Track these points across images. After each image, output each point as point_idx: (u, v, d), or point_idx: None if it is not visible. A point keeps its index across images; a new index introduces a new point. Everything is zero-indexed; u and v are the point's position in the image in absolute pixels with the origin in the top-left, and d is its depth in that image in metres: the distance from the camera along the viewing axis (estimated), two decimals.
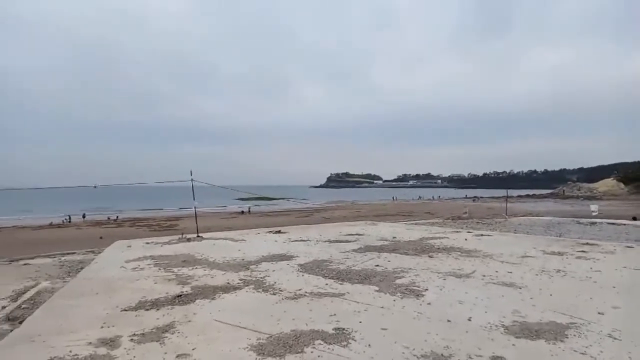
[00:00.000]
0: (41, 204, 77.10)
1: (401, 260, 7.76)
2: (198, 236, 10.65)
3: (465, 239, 10.41)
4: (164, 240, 10.67)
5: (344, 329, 4.19)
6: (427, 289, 5.64)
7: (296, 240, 10.44)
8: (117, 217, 54.15)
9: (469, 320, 4.43)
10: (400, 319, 4.50)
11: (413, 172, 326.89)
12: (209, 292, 5.68)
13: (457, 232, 12.18)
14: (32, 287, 7.70)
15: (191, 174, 10.29)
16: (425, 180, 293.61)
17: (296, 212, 56.99)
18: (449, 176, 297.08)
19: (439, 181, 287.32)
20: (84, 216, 55.71)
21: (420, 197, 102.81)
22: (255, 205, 70.27)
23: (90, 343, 3.85)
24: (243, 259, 8.02)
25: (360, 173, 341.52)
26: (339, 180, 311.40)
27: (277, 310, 4.83)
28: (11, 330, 5.50)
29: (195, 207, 11.91)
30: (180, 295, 5.46)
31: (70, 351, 3.66)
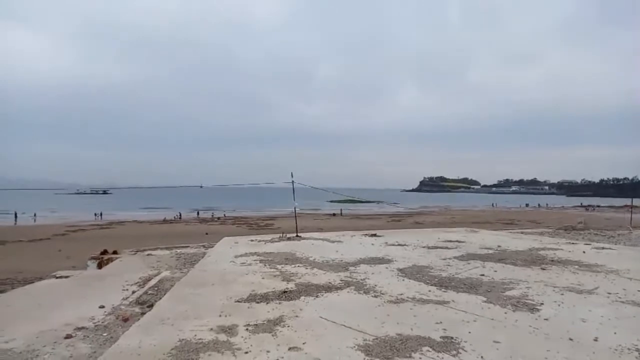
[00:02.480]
0: (157, 202, 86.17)
1: (509, 271, 7.28)
2: (297, 236, 11.08)
3: (583, 252, 9.42)
4: (267, 238, 11.28)
5: (452, 337, 4.06)
6: (542, 304, 5.22)
7: (393, 245, 10.33)
8: (224, 214, 58.45)
9: (595, 340, 4.01)
10: (514, 333, 4.23)
11: (515, 177, 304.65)
12: (312, 290, 5.88)
13: (573, 243, 11.07)
14: (155, 275, 8.64)
15: (292, 176, 10.76)
16: (530, 186, 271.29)
17: (387, 215, 56.43)
18: (558, 182, 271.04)
19: (546, 187, 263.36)
20: (198, 213, 61.13)
21: (527, 204, 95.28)
22: (347, 207, 71.00)
23: (211, 329, 4.22)
24: (341, 260, 8.16)
25: (456, 177, 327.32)
26: (432, 185, 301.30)
27: (380, 313, 4.84)
28: (141, 313, 6.24)
29: (295, 208, 12.41)
30: (286, 292, 5.72)
31: (195, 335, 4.04)
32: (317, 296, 5.57)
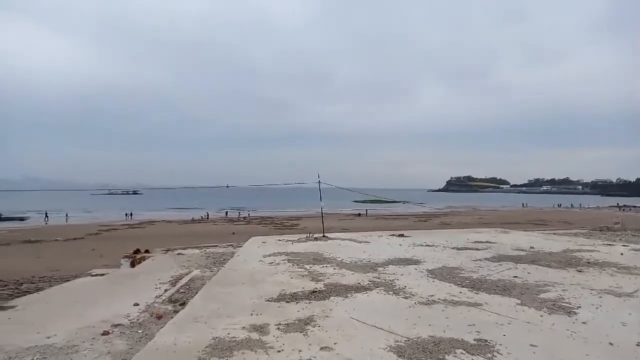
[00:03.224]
0: (184, 202, 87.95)
1: (544, 273, 7.08)
2: (324, 236, 11.10)
3: (621, 254, 9.07)
4: (294, 238, 11.35)
5: (486, 340, 3.98)
6: (579, 307, 5.06)
7: (421, 245, 10.22)
8: (248, 214, 59.17)
9: (638, 345, 3.86)
10: (551, 336, 4.11)
11: (547, 177, 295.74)
12: (341, 290, 5.88)
13: (610, 245, 10.67)
14: (186, 274, 8.82)
15: (319, 177, 10.79)
16: (562, 185, 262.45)
17: (413, 216, 55.83)
18: (592, 182, 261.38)
19: (579, 187, 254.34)
20: (226, 214, 62.14)
21: (559, 204, 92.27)
22: (372, 208, 70.59)
23: (244, 328, 4.27)
24: (369, 261, 8.12)
25: (484, 177, 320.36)
26: (460, 184, 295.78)
27: (411, 315, 4.79)
28: (174, 311, 6.38)
29: (322, 208, 12.44)
30: (316, 291, 5.74)
31: (229, 333, 4.10)
32: (346, 296, 5.56)
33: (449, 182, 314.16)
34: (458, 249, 9.73)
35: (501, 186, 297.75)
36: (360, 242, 10.62)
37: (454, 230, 15.91)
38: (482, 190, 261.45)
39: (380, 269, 7.38)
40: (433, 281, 6.48)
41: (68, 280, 12.73)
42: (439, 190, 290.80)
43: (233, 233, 33.39)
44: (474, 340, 3.99)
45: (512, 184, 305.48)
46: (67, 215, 58.06)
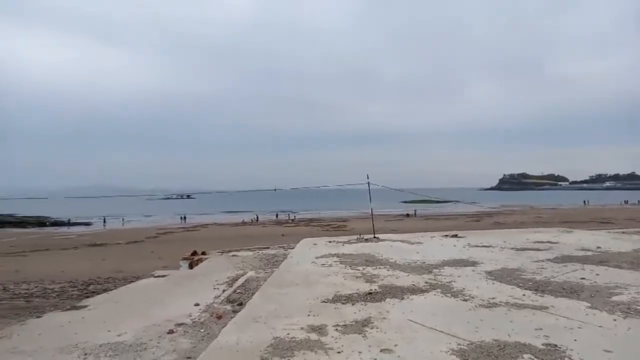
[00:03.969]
0: (235, 205, 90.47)
1: (614, 274, 6.62)
2: (375, 237, 11.00)
3: None
4: (344, 239, 11.34)
5: (556, 345, 3.78)
6: None
7: (477, 246, 9.87)
8: (294, 216, 59.90)
9: None
10: (627, 342, 3.84)
11: (610, 172, 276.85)
12: (397, 292, 5.80)
13: None
14: (242, 275, 9.05)
15: (368, 177, 10.70)
16: (627, 181, 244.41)
17: (464, 215, 54.12)
18: None
19: None
20: (277, 215, 63.35)
21: (625, 201, 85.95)
22: (420, 208, 69.20)
23: (302, 328, 4.32)
24: (424, 262, 7.96)
25: (540, 174, 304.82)
26: (513, 182, 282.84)
27: (473, 318, 4.64)
28: (233, 311, 6.56)
29: (371, 209, 12.35)
30: (371, 293, 5.70)
31: (288, 334, 4.16)
32: (402, 298, 5.48)
33: (501, 180, 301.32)
34: (517, 249, 9.31)
35: (559, 183, 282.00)
36: (413, 243, 10.42)
37: (511, 230, 15.24)
38: (539, 188, 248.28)
39: (436, 270, 7.21)
40: (493, 283, 6.24)
41: (131, 281, 13.47)
42: (491, 188, 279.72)
43: (282, 235, 33.92)
44: (543, 345, 3.80)
45: (571, 180, 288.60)
46: (123, 219, 61.48)
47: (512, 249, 9.40)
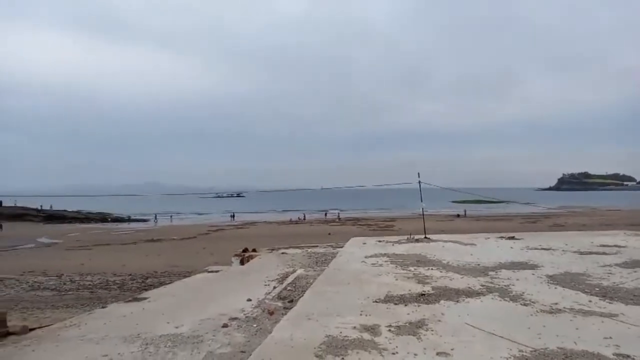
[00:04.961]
0: (283, 203, 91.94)
1: None
2: (425, 237, 10.75)
3: None
4: (394, 239, 11.17)
5: (629, 356, 3.50)
6: None
7: (536, 248, 9.37)
8: (339, 215, 59.88)
9: None
10: None
11: None
12: (451, 294, 5.62)
13: None
14: (291, 272, 9.15)
15: (419, 176, 10.44)
16: None
17: (519, 217, 51.74)
18: None
19: None
20: (325, 214, 63.78)
21: None
22: (471, 208, 66.94)
23: (355, 327, 4.28)
24: (478, 264, 7.67)
25: (604, 173, 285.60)
26: (574, 182, 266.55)
27: (534, 323, 4.40)
28: (284, 307, 6.64)
29: (423, 209, 12.08)
30: (424, 294, 5.56)
31: (341, 332, 4.14)
32: (457, 301, 5.30)
33: (560, 180, 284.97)
34: (581, 253, 8.74)
35: (625, 183, 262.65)
36: (466, 245, 10.07)
37: (573, 232, 14.34)
38: (602, 188, 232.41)
39: (492, 273, 6.91)
40: (555, 288, 5.89)
41: (186, 276, 14.00)
42: (549, 188, 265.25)
43: (329, 234, 34.02)
44: (614, 354, 3.53)
45: (639, 180, 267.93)
46: (171, 217, 64.21)
47: (575, 252, 8.84)
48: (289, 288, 7.91)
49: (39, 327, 6.62)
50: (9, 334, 6.19)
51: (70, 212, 63.46)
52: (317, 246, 13.32)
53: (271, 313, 6.24)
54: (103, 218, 61.96)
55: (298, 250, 12.36)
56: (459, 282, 6.31)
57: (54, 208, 64.47)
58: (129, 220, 62.21)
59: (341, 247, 11.55)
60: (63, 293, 14.49)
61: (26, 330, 6.42)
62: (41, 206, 63.77)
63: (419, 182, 10.43)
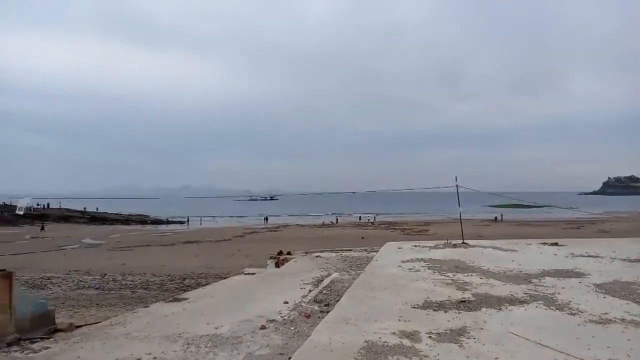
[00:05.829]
0: (315, 207, 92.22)
1: None
2: (463, 243, 10.49)
3: None
4: (430, 244, 10.98)
5: None
6: None
7: (581, 256, 8.97)
8: (373, 219, 59.40)
9: None
10: None
11: None
12: (492, 301, 5.46)
13: None
14: (326, 276, 9.15)
15: (456, 180, 10.22)
16: None
17: (561, 222, 49.68)
18: None
19: None
20: (360, 218, 63.58)
21: None
22: (507, 213, 64.84)
23: (394, 333, 4.23)
24: (520, 271, 7.41)
25: None
26: (620, 186, 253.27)
27: (583, 334, 4.21)
28: (320, 311, 6.65)
29: (460, 213, 11.82)
30: (464, 301, 5.43)
31: (380, 338, 4.10)
32: (499, 309, 5.15)
33: (605, 184, 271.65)
34: (631, 261, 8.30)
35: None
36: (506, 251, 9.76)
37: (621, 239, 13.61)
38: None
39: (535, 280, 6.67)
40: (604, 297, 5.62)
41: (222, 277, 14.26)
42: (593, 192, 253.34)
43: (362, 238, 33.80)
44: None
45: None
46: (201, 219, 65.61)
47: (625, 260, 8.40)
48: (324, 292, 7.92)
49: (85, 325, 6.92)
50: (57, 330, 6.52)
51: (112, 214, 66.08)
52: (351, 250, 13.27)
53: (308, 316, 6.26)
54: (143, 220, 64.13)
55: (332, 254, 12.35)
56: (501, 289, 6.12)
57: (98, 210, 67.37)
58: (167, 222, 64.10)
59: (376, 251, 11.45)
60: (106, 292, 15.09)
61: (73, 327, 6.72)
62: (85, 208, 66.79)
63: (456, 185, 10.19)
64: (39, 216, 54.54)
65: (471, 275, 7.12)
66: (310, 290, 7.95)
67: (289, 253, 12.18)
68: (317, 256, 12.01)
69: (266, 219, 65.43)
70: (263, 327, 5.67)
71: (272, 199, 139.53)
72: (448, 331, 4.32)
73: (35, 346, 5.32)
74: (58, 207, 65.24)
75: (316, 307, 6.87)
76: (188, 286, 14.95)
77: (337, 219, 61.31)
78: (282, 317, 6.16)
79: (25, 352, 5.08)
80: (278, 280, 8.82)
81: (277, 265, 11.08)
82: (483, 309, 5.13)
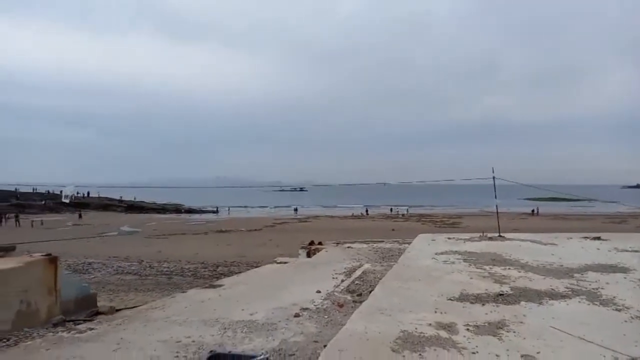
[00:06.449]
0: (344, 198, 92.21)
1: None
2: (500, 235, 10.22)
3: None
4: (465, 236, 10.77)
5: None
6: None
7: (626, 250, 8.57)
8: (405, 210, 58.78)
9: None
10: None
11: None
12: (532, 295, 5.31)
13: None
14: (358, 267, 9.14)
15: (493, 171, 9.92)
16: None
17: (602, 216, 47.69)
18: None
19: None
20: (391, 210, 63.05)
21: None
22: (547, 206, 62.82)
23: (430, 324, 4.18)
24: (561, 265, 7.16)
25: None
26: None
27: (630, 330, 4.04)
28: (353, 301, 6.66)
29: (497, 205, 11.51)
30: (502, 295, 5.31)
31: (416, 329, 4.06)
32: (540, 303, 4.99)
33: None
34: None
35: None
36: (545, 244, 9.45)
37: None
38: None
39: (577, 275, 6.43)
40: None
41: (254, 266, 14.49)
42: (637, 186, 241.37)
43: (393, 230, 33.59)
44: None
45: None
46: (228, 209, 66.75)
47: None
48: (357, 282, 7.91)
49: (124, 308, 7.21)
50: (98, 313, 6.82)
51: (148, 203, 68.30)
52: (382, 241, 13.20)
53: (341, 306, 6.28)
54: (177, 209, 65.98)
55: (364, 245, 12.33)
56: (541, 283, 5.94)
57: (135, 199, 69.74)
58: (200, 211, 65.66)
59: (408, 243, 11.34)
60: (143, 277, 15.66)
61: (113, 310, 7.01)
62: (121, 197, 69.22)
63: (493, 177, 9.90)
64: (80, 204, 56.94)
65: (509, 268, 6.94)
66: (342, 280, 7.97)
67: (320, 243, 12.23)
68: (348, 247, 12.01)
69: (296, 209, 65.90)
70: (297, 315, 5.73)
71: (301, 190, 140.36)
72: (486, 324, 4.23)
73: (80, 327, 5.57)
74: (97, 195, 67.95)
75: (349, 297, 6.88)
76: (221, 274, 15.31)
77: (367, 211, 61.09)
78: (315, 305, 6.20)
79: (72, 332, 5.33)
80: (310, 270, 8.88)
81: (309, 255, 11.15)
82: (522, 303, 5.00)
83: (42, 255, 6.34)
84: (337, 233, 27.35)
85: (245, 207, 74.55)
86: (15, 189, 60.73)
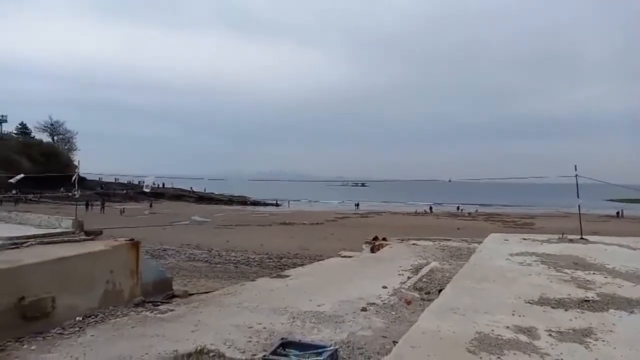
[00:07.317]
0: (407, 195, 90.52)
1: None
2: (582, 238, 9.46)
3: None
4: (542, 238, 10.08)
5: None
6: None
7: None
8: (476, 210, 56.44)
9: None
10: None
11: None
12: (622, 303, 4.86)
13: None
14: (425, 265, 8.94)
15: (575, 169, 9.19)
16: None
17: None
18: None
19: None
20: (458, 207, 60.89)
21: None
22: (629, 208, 57.35)
23: (508, 327, 3.97)
24: None
25: None
26: None
27: None
28: (421, 298, 6.53)
29: (579, 205, 10.67)
30: (588, 301, 4.91)
31: (492, 330, 3.88)
32: (632, 312, 4.55)
33: None
34: None
35: None
36: (635, 249, 8.60)
37: None
38: None
39: None
40: None
41: (317, 259, 14.68)
42: None
43: (458, 228, 32.48)
44: None
45: None
46: (289, 202, 67.91)
47: None
48: (424, 280, 7.75)
49: (196, 293, 7.62)
50: (174, 296, 7.27)
51: (217, 194, 71.64)
52: (450, 239, 12.77)
53: (408, 302, 6.18)
54: (243, 201, 68.65)
55: (430, 243, 12.02)
56: (631, 290, 5.42)
57: (205, 191, 73.46)
58: (264, 204, 67.74)
59: (477, 242, 10.86)
60: (213, 265, 16.47)
61: (187, 295, 7.45)
62: (191, 188, 73.13)
63: (576, 175, 9.15)
64: (157, 194, 61.00)
65: (594, 273, 6.40)
66: (409, 277, 7.84)
67: (384, 239, 12.10)
68: (413, 244, 11.77)
69: (357, 204, 65.82)
70: (364, 309, 5.72)
71: (362, 185, 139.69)
72: (571, 330, 3.94)
73: (161, 307, 5.97)
74: (171, 186, 72.46)
75: (416, 295, 6.76)
76: (285, 265, 15.71)
77: (430, 208, 59.54)
78: (382, 301, 6.16)
79: (154, 312, 5.73)
80: (375, 265, 8.83)
81: (373, 250, 11.07)
82: (611, 310, 4.59)
83: (126, 240, 6.88)
84: (400, 229, 26.90)
85: (307, 200, 75.76)
86: (99, 178, 66.30)
